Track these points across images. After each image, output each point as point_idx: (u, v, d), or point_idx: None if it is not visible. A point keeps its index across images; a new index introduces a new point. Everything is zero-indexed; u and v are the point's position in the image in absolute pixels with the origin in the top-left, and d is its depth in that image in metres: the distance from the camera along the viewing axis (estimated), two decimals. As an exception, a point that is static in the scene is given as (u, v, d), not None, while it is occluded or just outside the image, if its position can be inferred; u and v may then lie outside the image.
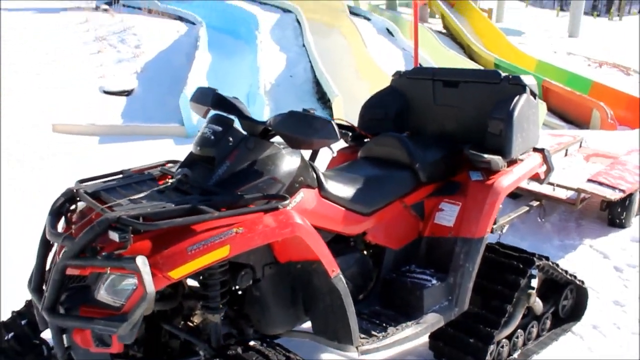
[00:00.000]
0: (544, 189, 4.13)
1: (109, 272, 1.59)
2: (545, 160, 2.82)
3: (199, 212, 1.66)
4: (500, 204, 2.50)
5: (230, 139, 1.94)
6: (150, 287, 1.50)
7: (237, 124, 2.06)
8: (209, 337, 1.91)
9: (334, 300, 1.97)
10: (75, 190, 1.90)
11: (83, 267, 1.61)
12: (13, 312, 2.30)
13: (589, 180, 4.12)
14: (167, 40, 11.14)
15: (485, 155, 2.45)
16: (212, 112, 2.15)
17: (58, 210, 1.89)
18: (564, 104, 9.40)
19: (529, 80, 2.66)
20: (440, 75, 2.92)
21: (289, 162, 2.02)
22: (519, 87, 2.62)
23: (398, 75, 3.15)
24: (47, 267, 1.89)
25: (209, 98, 2.21)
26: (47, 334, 2.15)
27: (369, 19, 14.54)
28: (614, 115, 8.56)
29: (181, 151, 7.02)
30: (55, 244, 1.85)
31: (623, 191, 4.00)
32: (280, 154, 2.02)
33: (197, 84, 9.14)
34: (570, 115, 9.21)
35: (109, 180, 2.01)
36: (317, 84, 10.32)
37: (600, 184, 4.06)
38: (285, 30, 12.09)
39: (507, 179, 2.54)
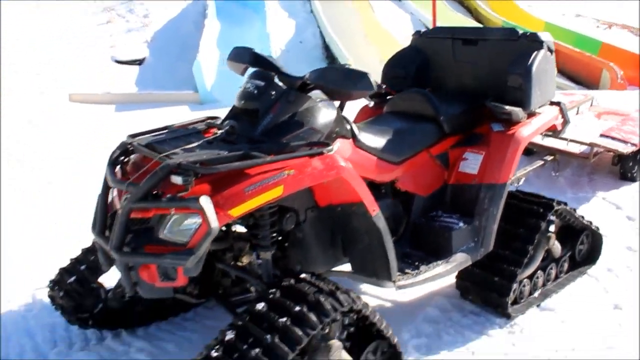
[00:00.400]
0: (558, 144, 4.27)
1: (173, 212, 1.73)
2: (562, 112, 2.95)
3: (251, 157, 1.81)
4: (521, 152, 2.65)
5: (273, 92, 2.07)
6: (215, 223, 1.65)
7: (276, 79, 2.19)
8: (260, 275, 2.08)
9: (373, 238, 2.13)
10: (130, 143, 2.04)
11: (147, 209, 1.76)
12: (72, 258, 2.48)
13: (602, 135, 4.24)
14: (174, 9, 11.14)
15: (507, 107, 2.58)
16: (251, 69, 2.27)
17: (115, 161, 2.03)
18: (573, 65, 9.38)
19: (545, 36, 2.77)
20: (460, 34, 3.03)
21: (325, 113, 2.15)
22: (537, 43, 2.73)
23: (418, 35, 3.25)
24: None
25: (246, 56, 2.35)
26: (103, 278, 2.35)
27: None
28: (624, 75, 8.60)
29: (195, 116, 7.15)
30: (114, 191, 2.01)
31: (635, 145, 4.12)
32: (318, 106, 2.15)
33: (208, 51, 9.22)
34: (580, 76, 9.21)
35: (157, 135, 2.14)
36: (327, 49, 10.33)
37: (613, 138, 4.19)
38: (293, -5, 12.05)
39: (527, 129, 2.67)
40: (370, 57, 9.70)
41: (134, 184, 1.78)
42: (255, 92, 2.08)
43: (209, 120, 2.31)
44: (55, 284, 2.41)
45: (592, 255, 3.18)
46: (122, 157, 2.07)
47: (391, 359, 2.11)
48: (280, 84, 2.11)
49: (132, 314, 2.57)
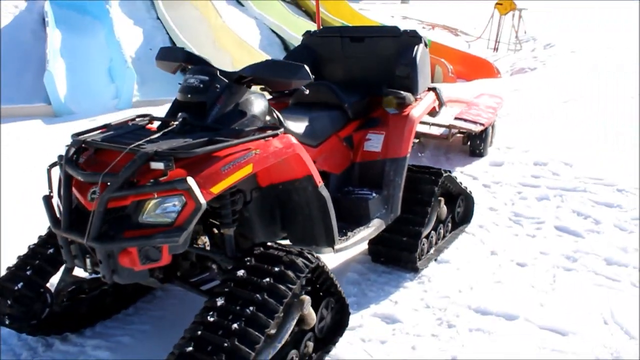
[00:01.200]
0: (422, 128, 4.94)
1: (155, 197, 1.88)
2: (438, 96, 3.52)
3: (217, 142, 2.01)
4: (415, 129, 3.14)
5: (217, 86, 2.27)
6: (202, 199, 1.84)
7: None
8: (223, 251, 2.28)
9: (316, 208, 2.43)
10: (83, 141, 2.11)
11: (126, 197, 1.89)
12: (9, 267, 2.43)
13: (456, 119, 4.99)
14: (6, 16, 10.30)
15: (402, 92, 3.05)
16: (191, 67, 2.44)
17: (72, 159, 2.08)
18: None
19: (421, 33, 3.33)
20: (347, 32, 3.47)
21: (260, 103, 2.41)
22: (416, 38, 3.27)
23: (309, 34, 3.63)
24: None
25: (180, 55, 2.53)
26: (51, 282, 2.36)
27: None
28: (453, 70, 9.85)
29: (56, 130, 6.78)
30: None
31: (483, 124, 4.92)
32: (254, 96, 2.40)
33: (57, 60, 8.73)
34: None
35: (104, 132, 2.23)
36: (179, 56, 10.35)
37: (465, 120, 4.95)
38: (135, 3, 11.77)
39: (417, 111, 3.18)
40: (222, 61, 9.90)
41: (110, 175, 1.88)
42: (201, 86, 2.26)
43: (140, 117, 2.43)
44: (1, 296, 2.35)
45: (466, 216, 3.81)
46: (76, 155, 2.12)
47: (339, 312, 2.43)
48: (223, 78, 2.32)
49: (77, 316, 2.59)
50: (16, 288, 2.33)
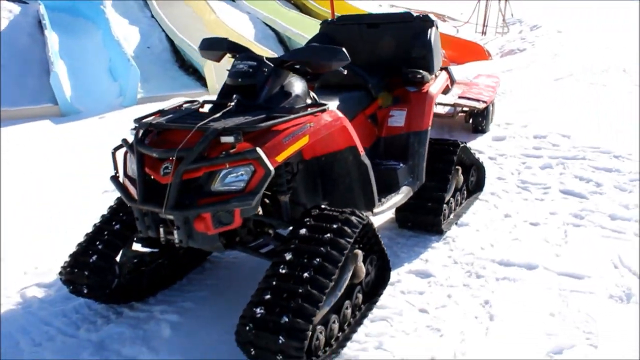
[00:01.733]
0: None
1: (227, 166, 2.13)
2: (449, 75, 3.80)
3: (275, 118, 2.27)
4: (434, 104, 3.42)
5: (265, 69, 2.52)
6: (271, 166, 2.10)
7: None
8: (280, 216, 2.55)
9: (359, 175, 2.70)
10: (150, 124, 2.35)
11: (199, 168, 2.14)
12: (80, 243, 2.68)
13: (460, 97, 5.28)
14: (2, 21, 10.40)
15: (421, 71, 3.32)
16: (238, 54, 2.69)
17: (142, 140, 2.32)
18: None
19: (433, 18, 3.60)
20: (364, 19, 3.73)
21: (301, 85, 2.66)
22: (429, 22, 3.54)
23: (326, 23, 3.89)
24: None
25: (224, 44, 2.78)
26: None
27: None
28: (446, 54, 10.16)
29: (64, 129, 6.97)
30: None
31: (485, 102, 5.22)
32: (295, 79, 2.65)
33: (59, 61, 8.89)
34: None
35: (166, 116, 2.47)
36: (176, 52, 10.54)
37: (469, 98, 5.24)
38: (127, 3, 11.90)
39: (434, 88, 3.45)
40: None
41: (185, 150, 2.13)
42: (250, 70, 2.50)
43: (189, 102, 2.67)
44: (74, 267, 2.59)
45: (478, 184, 4.10)
46: (143, 137, 2.36)
47: (382, 267, 2.71)
48: (269, 63, 2.57)
49: (140, 287, 2.83)
50: (91, 260, 2.57)
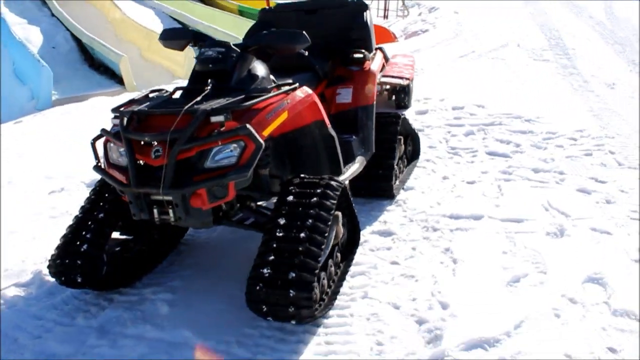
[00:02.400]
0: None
1: (220, 144, 2.30)
2: (384, 54, 4.13)
3: (253, 98, 2.46)
4: (376, 80, 3.73)
5: (233, 55, 2.70)
6: (261, 140, 2.30)
7: None
8: (261, 188, 2.75)
9: (329, 145, 2.95)
10: (134, 111, 2.46)
11: (191, 148, 2.30)
12: (67, 234, 2.73)
13: (384, 76, 5.66)
14: None
15: (363, 51, 3.62)
16: (206, 42, 2.84)
17: (127, 126, 2.43)
18: None
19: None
20: (301, 6, 3.97)
21: (264, 68, 2.87)
22: (363, 5, 3.84)
23: (264, 12, 4.08)
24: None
25: (188, 34, 2.92)
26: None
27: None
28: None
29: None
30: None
31: (408, 79, 5.63)
32: (258, 62, 2.85)
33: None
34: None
35: (146, 102, 2.58)
36: (83, 51, 10.23)
37: (393, 77, 5.63)
38: (24, 3, 11.32)
39: (374, 65, 3.78)
40: (132, 52, 9.92)
41: (177, 131, 2.27)
42: (220, 56, 2.67)
43: (155, 91, 2.80)
44: (64, 257, 2.65)
45: (415, 152, 4.48)
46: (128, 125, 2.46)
47: (352, 229, 2.97)
48: (236, 48, 2.75)
49: (126, 273, 2.93)
50: (82, 250, 2.65)
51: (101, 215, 2.77)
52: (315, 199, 2.47)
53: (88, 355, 2.40)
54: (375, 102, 3.66)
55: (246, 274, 2.32)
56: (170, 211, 2.39)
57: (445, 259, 2.95)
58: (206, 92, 2.55)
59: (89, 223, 2.75)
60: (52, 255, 2.73)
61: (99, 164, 2.60)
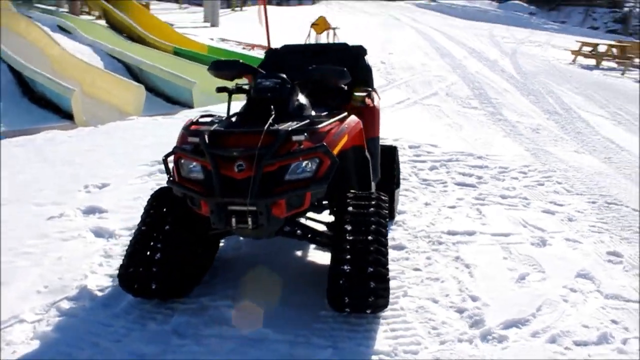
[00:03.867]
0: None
1: (301, 159, 2.69)
2: (376, 93, 4.71)
3: (317, 122, 2.88)
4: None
5: (288, 86, 3.11)
6: (335, 158, 2.73)
7: None
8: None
9: (363, 167, 3.39)
10: (216, 131, 2.78)
11: (274, 163, 2.66)
12: (137, 235, 2.95)
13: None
14: None
15: (369, 89, 4.17)
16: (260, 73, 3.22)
17: (211, 145, 2.74)
18: None
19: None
20: (307, 48, 4.47)
21: (305, 98, 3.31)
22: (362, 50, 4.41)
23: (271, 52, 4.53)
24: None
25: (237, 66, 3.30)
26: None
27: (30, 17, 13.96)
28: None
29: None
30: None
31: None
32: (301, 94, 3.28)
33: None
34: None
35: (206, 124, 2.91)
36: (21, 84, 10.03)
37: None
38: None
39: (377, 102, 4.33)
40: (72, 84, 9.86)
41: (263, 148, 2.63)
42: (277, 86, 3.06)
43: (205, 116, 3.13)
44: (138, 266, 2.85)
45: (398, 181, 5.03)
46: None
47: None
48: (289, 80, 3.15)
49: (186, 283, 3.12)
50: (156, 258, 2.86)
51: (167, 227, 3.00)
52: (372, 208, 2.91)
53: (178, 353, 2.62)
54: (379, 135, 4.18)
55: (285, 282, 2.70)
56: (249, 220, 2.70)
57: (459, 265, 3.48)
58: (272, 116, 2.92)
59: (157, 233, 2.96)
60: (123, 265, 2.92)
61: (173, 178, 2.87)
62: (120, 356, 2.60)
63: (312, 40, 14.87)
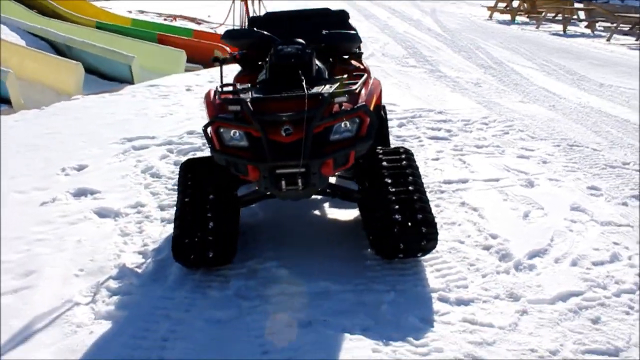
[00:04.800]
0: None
1: (344, 119, 2.86)
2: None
3: (346, 85, 3.04)
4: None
5: (308, 51, 3.24)
6: (375, 116, 2.92)
7: None
8: None
9: (381, 126, 3.60)
10: (258, 98, 2.86)
11: (322, 124, 2.80)
12: (183, 208, 3.04)
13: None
14: None
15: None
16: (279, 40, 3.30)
17: (255, 112, 2.83)
18: (187, 50, 11.20)
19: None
20: (290, 14, 4.53)
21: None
22: (346, 14, 4.55)
23: (254, 19, 4.56)
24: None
25: (253, 34, 3.38)
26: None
27: None
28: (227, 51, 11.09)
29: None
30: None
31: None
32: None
33: None
34: (196, 58, 11.17)
35: (239, 92, 2.97)
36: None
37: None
38: None
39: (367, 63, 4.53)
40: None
41: (311, 111, 2.74)
42: (299, 52, 3.16)
43: (225, 85, 3.18)
44: (192, 236, 2.92)
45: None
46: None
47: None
48: (308, 46, 3.27)
49: (232, 252, 3.17)
50: (210, 227, 2.95)
51: (211, 195, 3.07)
52: (405, 162, 3.16)
53: (254, 314, 2.74)
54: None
55: (316, 240, 3.01)
56: (299, 181, 2.84)
57: (467, 209, 3.83)
58: (304, 80, 3.03)
59: (203, 203, 3.03)
60: (176, 237, 2.98)
61: (216, 147, 2.93)
62: (199, 324, 2.70)
63: (237, 9, 14.63)
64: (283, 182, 2.85)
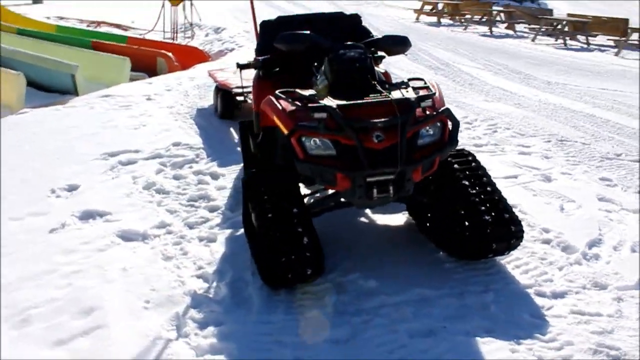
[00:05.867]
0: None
1: (429, 125, 2.87)
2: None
3: (418, 88, 3.06)
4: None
5: (369, 55, 3.21)
6: (457, 119, 2.97)
7: None
8: None
9: None
10: (344, 105, 2.80)
11: (413, 129, 2.80)
12: (270, 222, 2.92)
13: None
14: None
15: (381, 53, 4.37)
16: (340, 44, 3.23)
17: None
18: (135, 58, 10.44)
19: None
20: (303, 17, 4.46)
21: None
22: (358, 17, 4.55)
23: (265, 23, 4.39)
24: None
25: (310, 38, 3.33)
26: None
27: None
28: (177, 59, 10.68)
29: None
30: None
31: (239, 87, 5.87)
32: None
33: None
34: (138, 66, 10.61)
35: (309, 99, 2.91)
36: None
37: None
38: None
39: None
40: None
41: (402, 117, 2.74)
42: (362, 57, 3.12)
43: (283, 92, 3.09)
44: (290, 254, 2.81)
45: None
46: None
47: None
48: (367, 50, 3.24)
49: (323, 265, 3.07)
50: (304, 242, 2.84)
51: (295, 209, 2.97)
52: (474, 163, 3.26)
53: (370, 330, 2.68)
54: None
55: (381, 247, 3.14)
56: (391, 188, 2.82)
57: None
58: (375, 85, 3.01)
59: (289, 218, 2.92)
60: (268, 257, 2.87)
61: (300, 157, 2.83)
62: (320, 346, 2.60)
63: (168, 14, 14.16)
64: (375, 190, 2.82)
